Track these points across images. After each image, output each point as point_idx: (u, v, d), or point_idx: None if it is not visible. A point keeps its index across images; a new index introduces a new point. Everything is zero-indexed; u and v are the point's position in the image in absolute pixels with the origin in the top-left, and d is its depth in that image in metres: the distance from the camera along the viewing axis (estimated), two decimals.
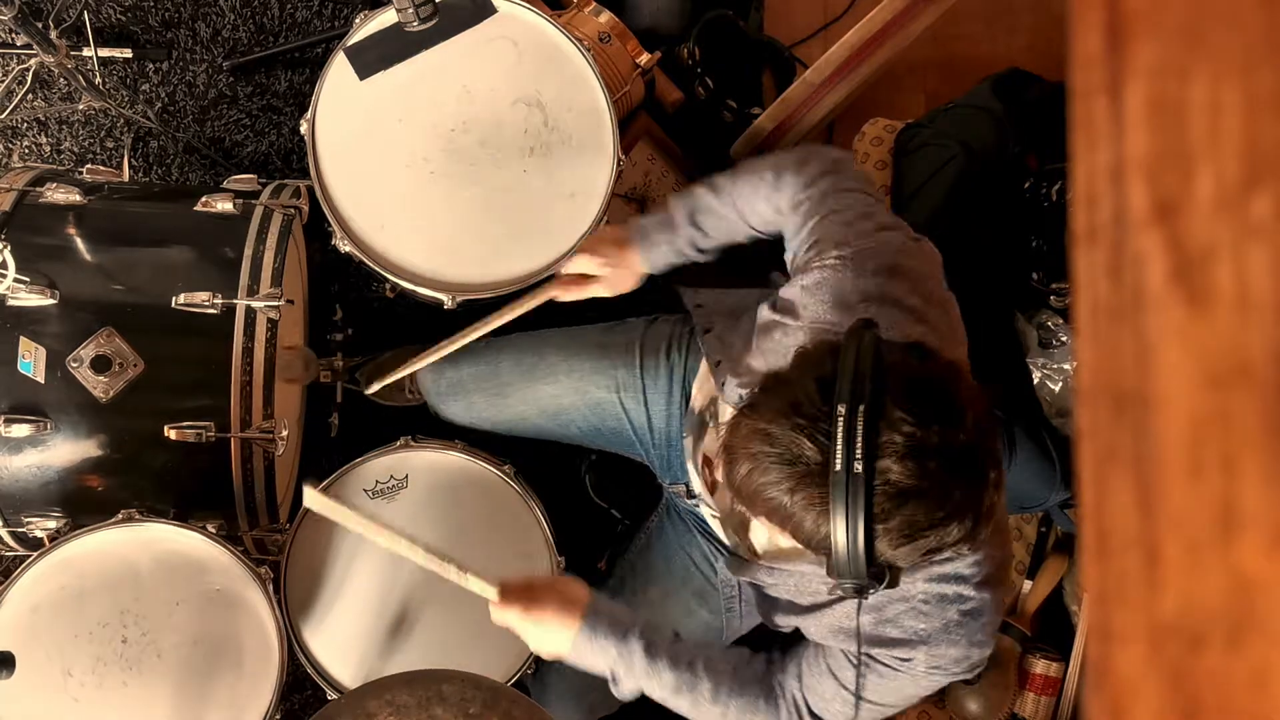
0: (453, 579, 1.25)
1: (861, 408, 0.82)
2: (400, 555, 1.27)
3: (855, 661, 1.11)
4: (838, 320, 1.15)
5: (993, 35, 2.22)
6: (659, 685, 1.23)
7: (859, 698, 1.12)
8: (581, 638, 1.22)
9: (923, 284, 1.17)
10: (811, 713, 1.21)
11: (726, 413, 1.26)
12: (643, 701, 1.58)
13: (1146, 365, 0.29)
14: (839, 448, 0.82)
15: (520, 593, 1.25)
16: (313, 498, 1.25)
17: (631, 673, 1.23)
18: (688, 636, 1.32)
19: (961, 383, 0.92)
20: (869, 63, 1.91)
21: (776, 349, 1.21)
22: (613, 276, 1.45)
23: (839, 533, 0.84)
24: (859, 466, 0.82)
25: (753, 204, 1.36)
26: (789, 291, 1.24)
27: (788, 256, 1.33)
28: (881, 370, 0.86)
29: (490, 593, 1.25)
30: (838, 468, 0.82)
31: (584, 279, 1.46)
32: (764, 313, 1.27)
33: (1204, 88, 0.28)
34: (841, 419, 0.82)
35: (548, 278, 1.52)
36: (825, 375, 0.87)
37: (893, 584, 0.90)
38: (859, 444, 0.82)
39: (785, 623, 1.29)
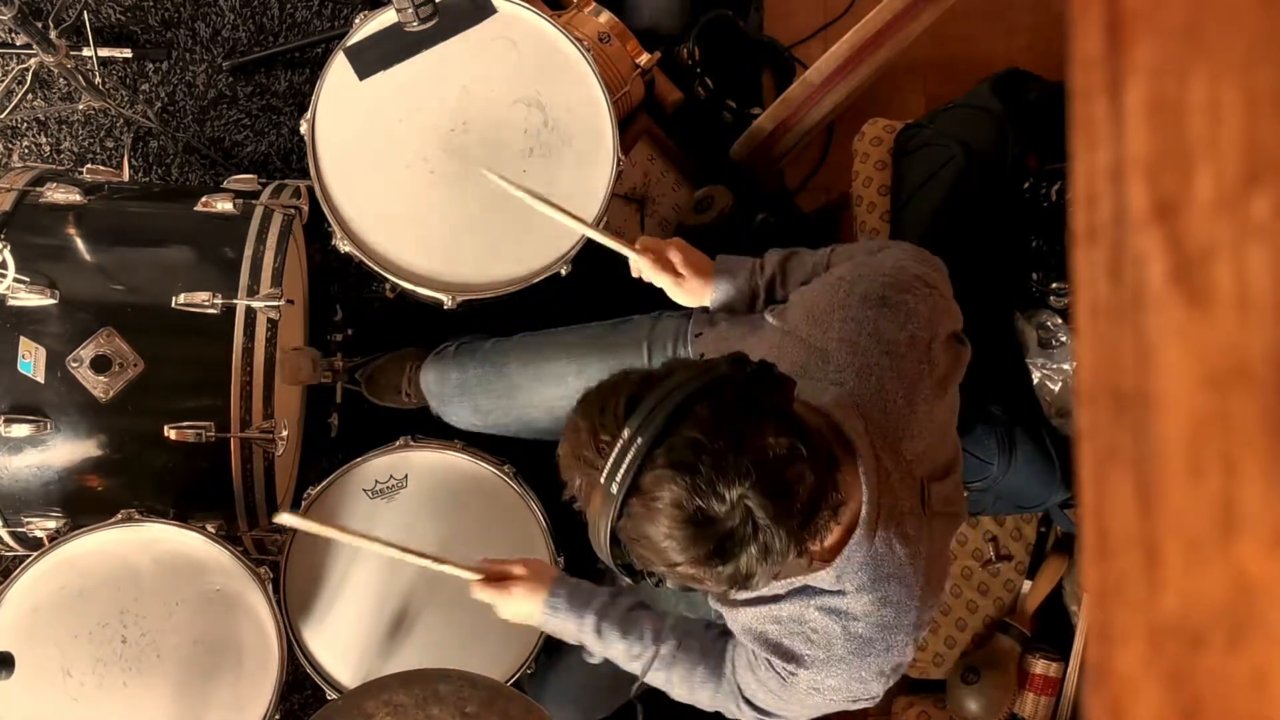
0: (432, 568, 1.37)
1: (640, 440, 0.90)
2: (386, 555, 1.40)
3: (755, 660, 1.19)
4: (811, 332, 1.16)
5: (993, 35, 2.22)
6: (616, 655, 1.34)
7: (756, 698, 1.23)
8: (546, 613, 1.36)
9: (911, 323, 1.15)
10: (744, 698, 1.25)
11: None
12: (643, 702, 1.59)
13: (1146, 365, 0.29)
14: (608, 465, 0.92)
15: (496, 576, 1.39)
16: (287, 519, 1.35)
17: (594, 645, 1.35)
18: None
19: (760, 448, 0.91)
20: (869, 63, 1.91)
21: (756, 345, 1.23)
22: (689, 284, 1.39)
23: (593, 531, 0.96)
24: (614, 489, 0.91)
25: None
26: (790, 297, 1.26)
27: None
28: (680, 417, 0.92)
29: (470, 576, 1.38)
30: (603, 480, 0.93)
31: (667, 265, 1.39)
32: (766, 317, 1.30)
33: (1204, 88, 0.28)
34: (620, 442, 0.91)
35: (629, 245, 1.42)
36: (635, 394, 0.95)
37: (649, 579, 1.00)
38: (623, 471, 0.91)
39: (721, 612, 1.31)
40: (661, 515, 0.90)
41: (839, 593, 1.08)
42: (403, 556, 1.35)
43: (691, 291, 1.40)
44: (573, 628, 1.35)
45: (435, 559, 1.36)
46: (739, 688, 1.25)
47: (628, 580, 1.03)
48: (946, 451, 1.19)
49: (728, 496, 0.89)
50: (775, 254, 1.39)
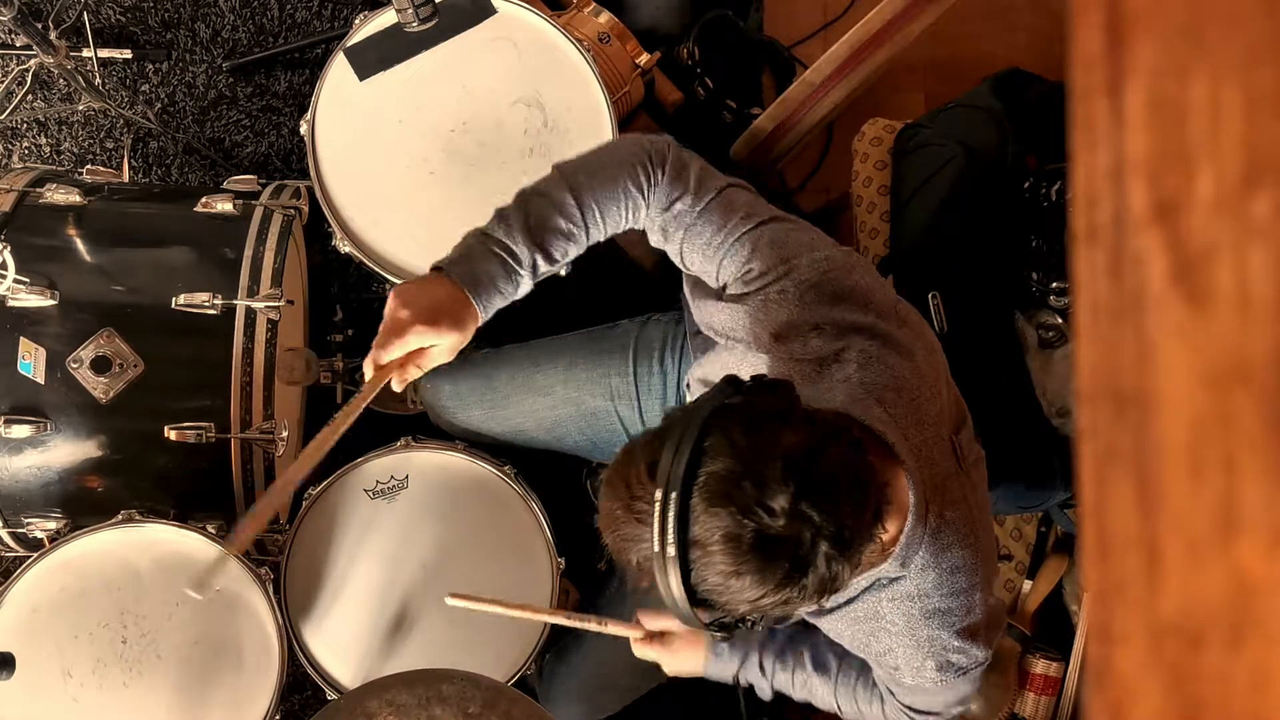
0: (594, 629, 1.46)
1: (674, 495, 0.89)
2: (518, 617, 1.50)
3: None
4: (792, 349, 1.14)
5: (993, 35, 2.22)
6: (783, 686, 1.38)
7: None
8: (710, 660, 1.39)
9: (869, 297, 1.14)
10: (904, 705, 1.27)
11: None
12: (643, 704, 1.59)
13: (1147, 365, 0.29)
14: (655, 530, 0.91)
15: (655, 632, 1.41)
16: (454, 602, 1.44)
17: (759, 680, 1.38)
18: None
19: (785, 451, 0.90)
20: (869, 63, 1.91)
21: (729, 368, 1.20)
22: (450, 341, 1.16)
23: (670, 600, 0.94)
24: (671, 550, 0.89)
25: (616, 221, 1.21)
26: (727, 315, 1.19)
27: (695, 267, 1.23)
28: (699, 457, 0.91)
29: (634, 633, 1.42)
30: (656, 548, 0.91)
31: (418, 353, 1.17)
32: (709, 332, 1.26)
33: (1204, 88, 0.28)
34: (658, 505, 0.90)
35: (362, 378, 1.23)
36: (651, 456, 0.93)
37: (743, 626, 0.99)
38: (670, 529, 0.90)
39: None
40: (722, 554, 0.89)
41: (901, 578, 1.09)
42: (567, 622, 1.47)
43: (459, 342, 1.19)
44: (734, 668, 1.38)
45: (599, 622, 1.44)
46: (894, 693, 1.27)
47: (720, 635, 1.00)
48: (957, 399, 1.20)
49: (776, 507, 0.88)
50: (515, 234, 1.17)
